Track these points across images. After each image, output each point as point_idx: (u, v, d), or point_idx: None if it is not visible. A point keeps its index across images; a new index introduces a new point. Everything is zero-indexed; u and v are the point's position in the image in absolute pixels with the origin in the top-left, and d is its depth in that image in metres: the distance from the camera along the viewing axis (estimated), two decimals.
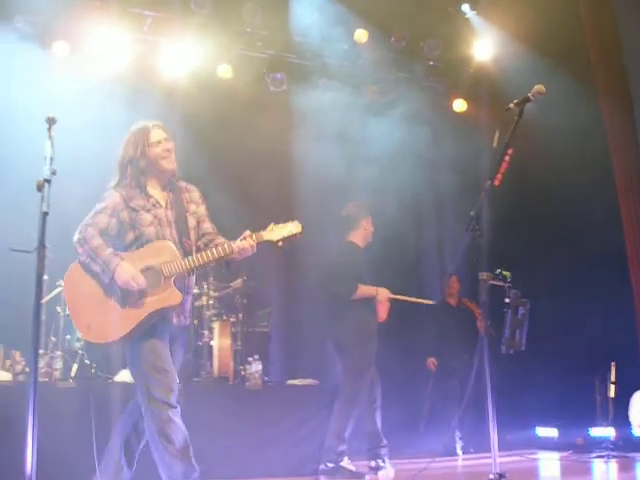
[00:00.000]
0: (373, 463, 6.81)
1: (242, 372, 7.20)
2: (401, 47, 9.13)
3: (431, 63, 9.44)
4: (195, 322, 7.42)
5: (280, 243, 4.59)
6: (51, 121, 4.17)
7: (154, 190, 4.74)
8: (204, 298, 7.55)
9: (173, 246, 4.55)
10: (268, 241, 4.59)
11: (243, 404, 6.65)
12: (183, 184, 4.89)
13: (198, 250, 4.67)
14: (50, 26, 7.96)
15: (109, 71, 8.25)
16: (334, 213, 7.96)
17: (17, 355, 6.55)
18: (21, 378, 6.32)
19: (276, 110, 8.71)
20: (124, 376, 6.53)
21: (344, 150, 8.46)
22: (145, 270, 4.49)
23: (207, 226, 4.84)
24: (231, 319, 7.52)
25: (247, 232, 4.57)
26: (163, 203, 4.73)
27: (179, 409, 4.53)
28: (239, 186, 8.67)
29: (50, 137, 4.14)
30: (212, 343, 7.34)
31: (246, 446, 6.40)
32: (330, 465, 6.49)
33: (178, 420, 4.51)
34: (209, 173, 8.20)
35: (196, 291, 7.52)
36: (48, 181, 3.97)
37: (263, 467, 6.40)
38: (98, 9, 7.98)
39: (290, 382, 7.20)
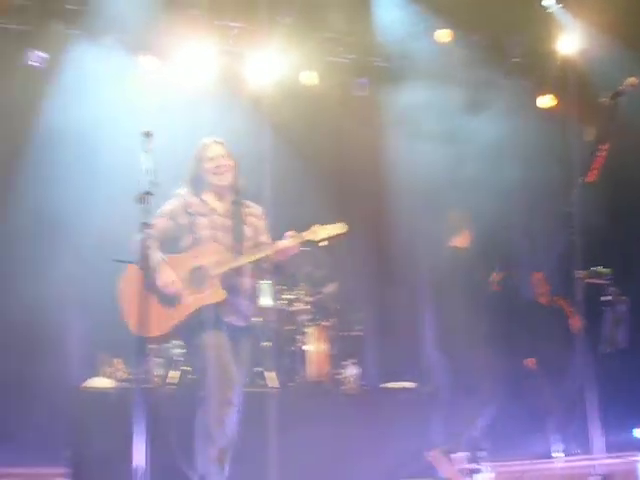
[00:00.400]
0: (472, 466, 6.77)
1: (337, 376, 7.24)
2: (485, 45, 9.03)
3: (516, 60, 9.30)
4: (290, 327, 7.52)
5: (322, 243, 4.73)
6: (148, 135, 4.37)
7: (212, 200, 4.99)
8: (298, 304, 7.63)
9: (222, 247, 4.80)
10: (309, 241, 4.74)
11: (339, 408, 6.63)
12: (246, 202, 5.13)
13: None
14: (139, 42, 8.21)
15: (196, 83, 8.45)
16: (426, 214, 7.96)
17: (118, 362, 6.75)
18: (124, 385, 6.49)
19: (362, 114, 8.77)
20: None
21: (433, 151, 8.41)
22: (194, 270, 4.78)
23: (264, 238, 5.04)
24: (325, 323, 7.57)
25: (289, 232, 4.76)
26: (221, 212, 4.96)
27: (235, 408, 4.66)
28: (330, 191, 8.77)
29: (147, 150, 4.32)
30: (307, 348, 7.41)
31: (343, 450, 6.36)
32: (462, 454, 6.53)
33: (230, 420, 4.63)
34: (299, 179, 8.34)
35: (290, 297, 7.64)
36: (149, 193, 4.16)
37: (360, 471, 6.37)
38: (185, 23, 8.17)
39: (386, 385, 7.17)
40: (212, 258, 4.74)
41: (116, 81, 7.79)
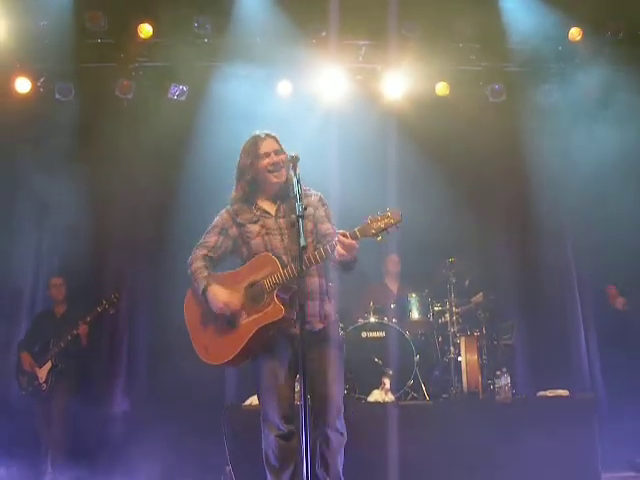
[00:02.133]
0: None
1: (491, 386, 7.19)
2: (618, 40, 8.76)
3: None
4: (439, 339, 7.53)
5: (379, 237, 4.19)
6: (294, 159, 4.31)
7: (263, 201, 4.69)
8: (447, 315, 7.67)
9: (274, 257, 4.43)
10: (366, 236, 4.20)
11: (495, 418, 6.53)
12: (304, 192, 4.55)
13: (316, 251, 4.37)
14: (274, 68, 8.48)
15: (331, 102, 8.61)
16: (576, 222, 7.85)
17: None
18: None
19: (499, 120, 8.69)
20: (377, 396, 6.72)
21: (575, 155, 8.26)
22: (249, 287, 4.49)
23: (326, 227, 4.60)
24: (476, 334, 7.54)
25: (341, 232, 4.22)
26: (273, 212, 4.65)
27: (287, 432, 4.46)
28: (474, 199, 8.78)
29: (295, 175, 4.28)
30: (459, 359, 7.41)
31: (501, 461, 6.27)
32: None
33: (285, 444, 4.46)
34: (440, 190, 8.34)
35: (438, 308, 7.69)
36: (301, 217, 4.11)
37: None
38: (315, 46, 8.34)
39: (541, 394, 7.04)
40: (265, 270, 4.42)
41: (254, 107, 7.99)
